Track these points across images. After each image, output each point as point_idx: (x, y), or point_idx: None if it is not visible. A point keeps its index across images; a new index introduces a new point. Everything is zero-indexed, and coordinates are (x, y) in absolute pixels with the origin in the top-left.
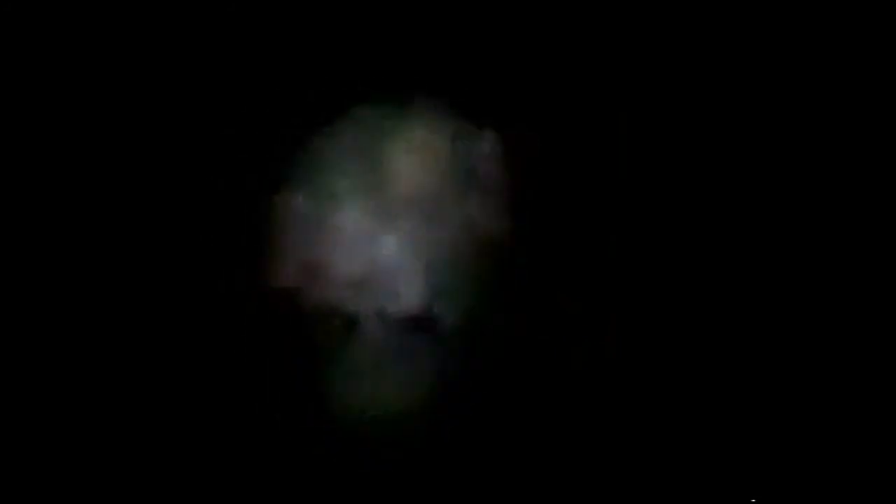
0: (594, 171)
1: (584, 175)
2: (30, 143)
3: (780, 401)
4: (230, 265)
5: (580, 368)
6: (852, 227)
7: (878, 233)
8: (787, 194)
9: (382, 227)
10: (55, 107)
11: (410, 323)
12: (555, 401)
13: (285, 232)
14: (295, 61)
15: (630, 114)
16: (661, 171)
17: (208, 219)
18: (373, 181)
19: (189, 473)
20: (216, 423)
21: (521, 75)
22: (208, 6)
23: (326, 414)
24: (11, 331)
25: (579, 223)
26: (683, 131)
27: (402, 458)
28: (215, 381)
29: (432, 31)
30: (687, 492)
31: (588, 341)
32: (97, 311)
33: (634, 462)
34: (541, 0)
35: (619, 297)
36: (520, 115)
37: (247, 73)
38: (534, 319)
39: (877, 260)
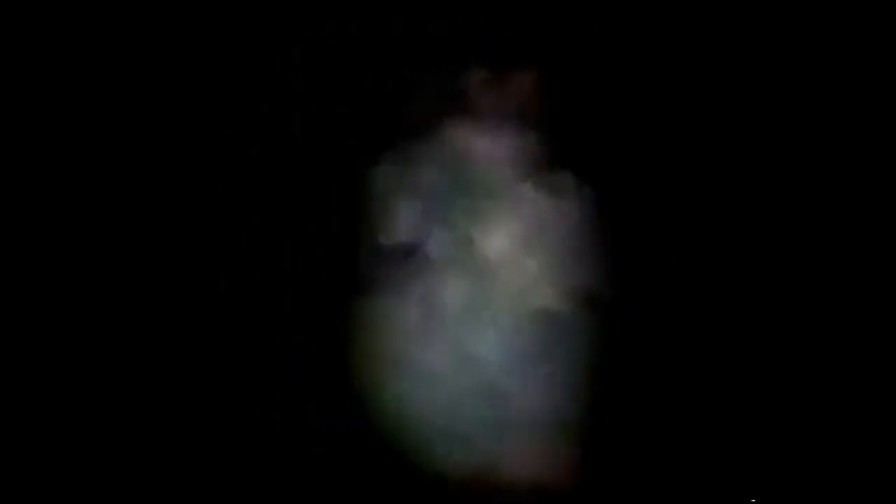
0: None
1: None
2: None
3: (780, 401)
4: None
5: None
6: (852, 227)
7: (878, 233)
8: (788, 195)
9: None
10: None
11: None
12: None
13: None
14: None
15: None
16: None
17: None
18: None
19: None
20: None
21: None
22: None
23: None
24: (33, 325)
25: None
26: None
27: None
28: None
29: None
30: (687, 492)
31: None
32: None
33: (633, 461)
34: None
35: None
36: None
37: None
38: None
39: (877, 260)
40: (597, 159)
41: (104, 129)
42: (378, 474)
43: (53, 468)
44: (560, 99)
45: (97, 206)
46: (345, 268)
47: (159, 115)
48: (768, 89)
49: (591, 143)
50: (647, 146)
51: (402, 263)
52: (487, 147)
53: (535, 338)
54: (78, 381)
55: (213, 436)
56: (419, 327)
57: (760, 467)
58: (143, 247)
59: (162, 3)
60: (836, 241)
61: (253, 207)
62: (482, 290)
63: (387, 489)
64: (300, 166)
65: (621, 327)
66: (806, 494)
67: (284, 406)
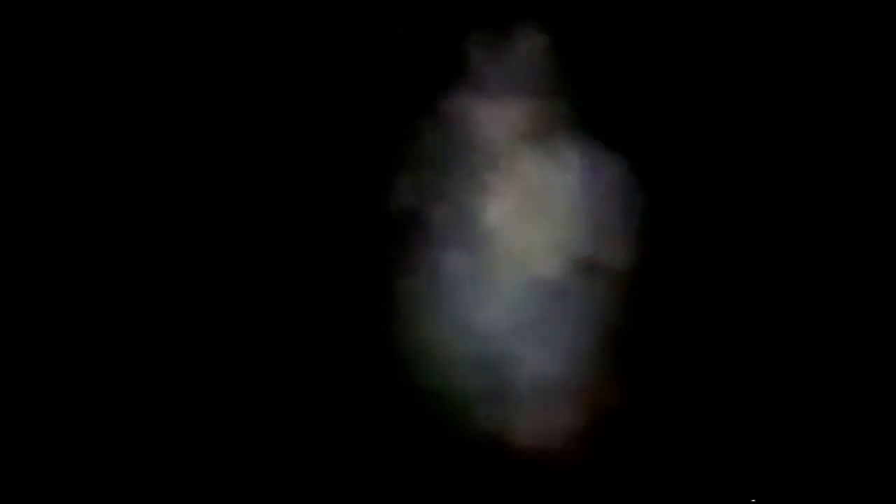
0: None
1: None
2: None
3: (780, 401)
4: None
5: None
6: (852, 227)
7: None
8: (789, 195)
9: None
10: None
11: None
12: None
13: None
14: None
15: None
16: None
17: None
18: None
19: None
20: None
21: None
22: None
23: None
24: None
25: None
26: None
27: None
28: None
29: None
30: (687, 492)
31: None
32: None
33: (633, 461)
34: None
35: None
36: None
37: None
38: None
39: (877, 260)
40: (601, 127)
41: (104, 128)
42: (388, 447)
43: (53, 468)
44: (563, 66)
45: (99, 206)
46: (349, 243)
47: (160, 115)
48: (775, 63)
49: (595, 110)
50: (652, 113)
51: (405, 235)
52: (490, 115)
53: (539, 307)
54: (89, 379)
55: (218, 433)
56: (425, 298)
57: (761, 462)
58: (144, 247)
59: (162, 3)
60: (833, 231)
61: (254, 197)
62: (486, 260)
63: (396, 465)
64: (301, 154)
65: (627, 296)
66: (806, 494)
67: (289, 392)
